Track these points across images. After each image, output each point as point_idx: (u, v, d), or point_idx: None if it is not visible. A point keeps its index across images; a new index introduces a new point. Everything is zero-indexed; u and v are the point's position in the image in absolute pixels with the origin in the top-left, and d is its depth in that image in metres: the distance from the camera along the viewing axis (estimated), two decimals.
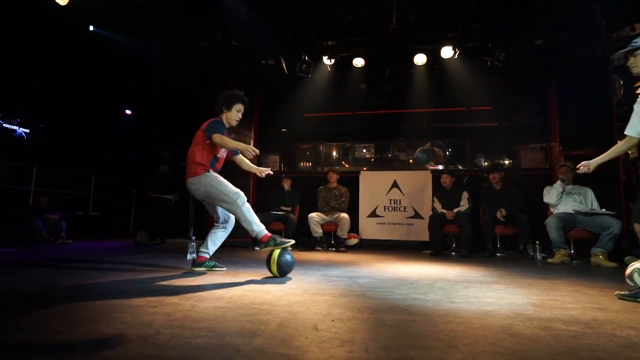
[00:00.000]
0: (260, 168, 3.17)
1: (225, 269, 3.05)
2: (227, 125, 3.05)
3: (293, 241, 2.89)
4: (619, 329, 1.57)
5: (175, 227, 6.65)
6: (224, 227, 3.06)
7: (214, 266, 3.00)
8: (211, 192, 2.87)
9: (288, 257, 2.79)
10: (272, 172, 3.20)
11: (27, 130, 6.91)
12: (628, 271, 2.19)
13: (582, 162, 2.63)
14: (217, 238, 3.03)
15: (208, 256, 3.01)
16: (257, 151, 2.89)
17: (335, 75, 6.21)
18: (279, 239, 2.82)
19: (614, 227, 3.76)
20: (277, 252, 2.77)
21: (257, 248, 5.09)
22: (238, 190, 2.87)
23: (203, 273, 2.90)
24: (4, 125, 6.49)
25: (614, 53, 2.46)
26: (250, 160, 3.20)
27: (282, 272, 2.76)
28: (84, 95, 7.09)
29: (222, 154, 3.06)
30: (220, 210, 3.04)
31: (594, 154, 4.51)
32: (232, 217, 3.08)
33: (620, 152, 2.44)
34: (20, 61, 6.10)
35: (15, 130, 6.75)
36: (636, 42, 2.44)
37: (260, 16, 4.86)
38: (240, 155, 3.15)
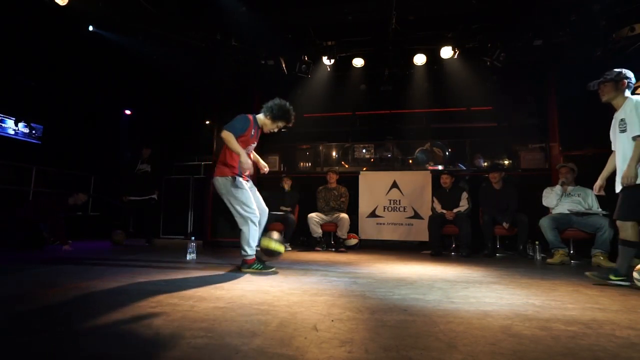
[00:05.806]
0: (262, 163, 3.29)
1: (275, 270, 3.02)
2: (259, 125, 3.11)
3: (274, 268, 2.99)
4: (619, 329, 1.58)
5: (167, 226, 6.66)
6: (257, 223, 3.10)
7: (262, 268, 2.99)
8: (230, 198, 2.96)
9: (274, 241, 3.02)
10: (266, 171, 3.31)
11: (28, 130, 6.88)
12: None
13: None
14: (255, 236, 3.06)
15: (254, 256, 3.03)
16: (252, 170, 2.96)
17: (335, 75, 6.21)
18: (263, 264, 2.95)
19: (604, 227, 3.78)
20: (266, 241, 2.99)
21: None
22: (255, 209, 2.96)
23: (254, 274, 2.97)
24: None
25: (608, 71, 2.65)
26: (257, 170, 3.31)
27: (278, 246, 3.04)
28: (84, 95, 7.08)
29: (250, 149, 3.10)
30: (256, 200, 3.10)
31: (593, 154, 4.49)
32: (264, 210, 3.15)
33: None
34: (19, 61, 6.09)
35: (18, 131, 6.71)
36: (608, 75, 2.52)
37: (260, 16, 4.86)
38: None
